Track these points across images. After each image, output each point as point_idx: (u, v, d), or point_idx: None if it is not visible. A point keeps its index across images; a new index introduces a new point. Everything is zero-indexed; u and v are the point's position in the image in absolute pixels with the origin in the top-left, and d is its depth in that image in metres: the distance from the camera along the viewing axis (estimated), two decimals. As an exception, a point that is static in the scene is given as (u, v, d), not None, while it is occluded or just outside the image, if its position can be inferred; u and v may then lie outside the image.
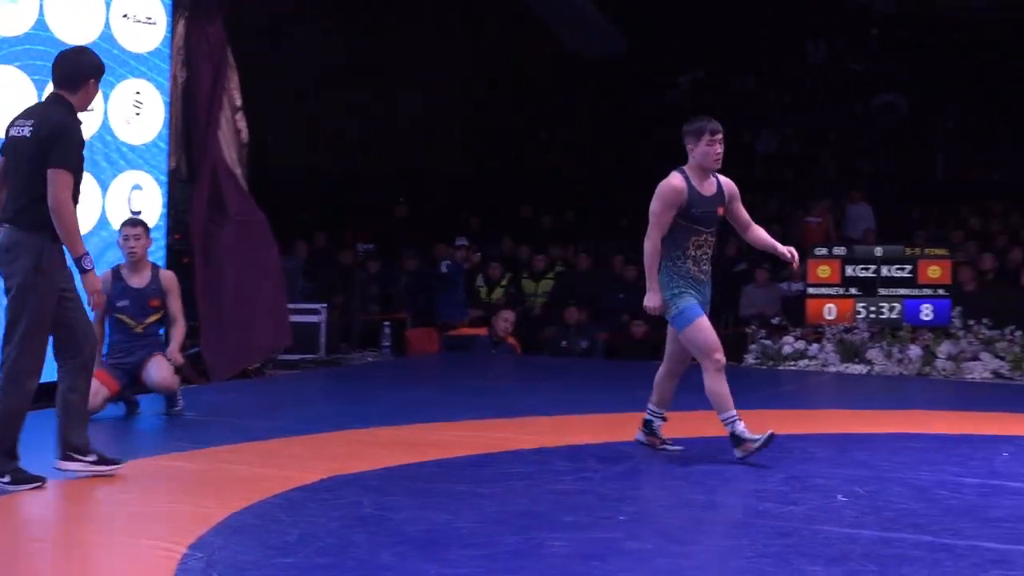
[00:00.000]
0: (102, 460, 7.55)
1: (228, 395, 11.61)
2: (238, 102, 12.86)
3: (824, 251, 15.33)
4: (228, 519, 6.54)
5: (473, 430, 9.58)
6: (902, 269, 14.97)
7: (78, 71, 7.43)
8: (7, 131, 7.49)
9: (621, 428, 9.69)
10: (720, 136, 8.40)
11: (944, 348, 14.17)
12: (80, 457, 7.47)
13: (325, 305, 15.27)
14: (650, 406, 8.86)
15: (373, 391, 12.37)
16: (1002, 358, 14.01)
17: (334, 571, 5.67)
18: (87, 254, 7.24)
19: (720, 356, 8.36)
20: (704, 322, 8.37)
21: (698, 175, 8.41)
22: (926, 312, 14.84)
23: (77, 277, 7.34)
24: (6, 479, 7.16)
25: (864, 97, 24.77)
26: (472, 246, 18.62)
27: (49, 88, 7.57)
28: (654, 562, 5.89)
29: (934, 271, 14.95)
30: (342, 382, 13.49)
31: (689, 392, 12.19)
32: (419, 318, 17.37)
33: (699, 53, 26.83)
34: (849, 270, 15.06)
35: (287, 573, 5.64)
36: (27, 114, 7.47)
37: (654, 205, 8.37)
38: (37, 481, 7.21)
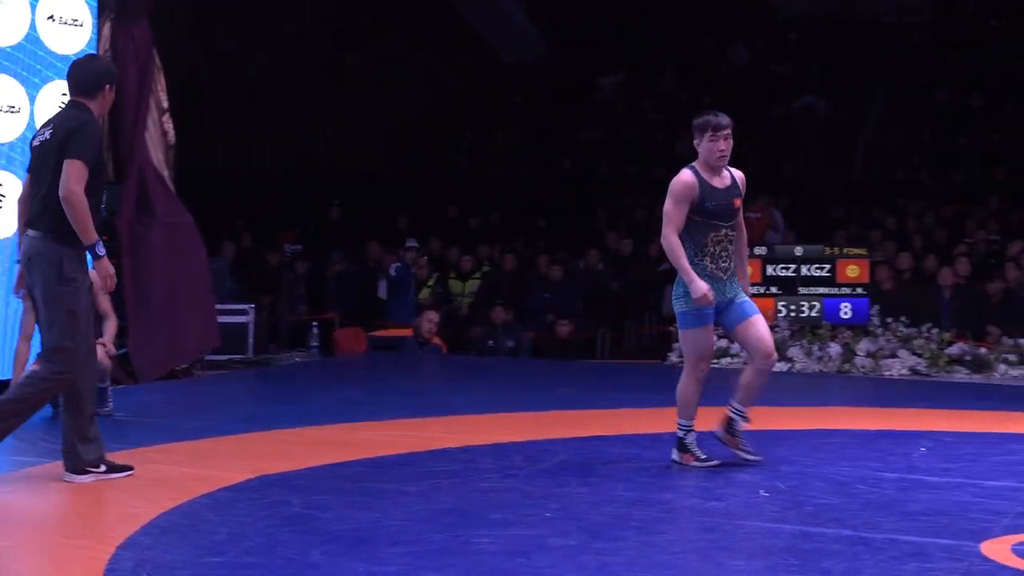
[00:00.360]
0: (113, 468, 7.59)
1: (156, 396, 11.54)
2: (165, 104, 12.78)
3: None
4: (157, 519, 6.51)
5: (400, 429, 9.58)
6: (821, 268, 15.06)
7: (94, 78, 7.52)
8: (31, 145, 7.59)
9: (547, 427, 9.74)
10: (725, 132, 8.11)
11: (863, 346, 14.30)
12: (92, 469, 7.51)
13: (253, 306, 15.21)
14: (733, 403, 8.43)
15: (301, 391, 12.33)
16: (919, 355, 14.16)
17: (262, 570, 5.66)
18: (100, 241, 7.26)
19: (706, 367, 8.21)
20: (705, 331, 8.13)
21: (708, 169, 8.11)
22: (845, 310, 14.95)
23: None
24: None
25: (785, 99, 24.95)
26: (421, 248, 18.55)
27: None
28: (579, 558, 5.91)
29: (853, 270, 15.06)
30: (270, 382, 13.44)
31: (618, 391, 12.29)
32: (348, 318, 17.31)
33: (620, 56, 26.97)
34: (770, 269, 15.14)
35: (216, 572, 5.62)
36: (47, 123, 7.56)
37: (666, 203, 8.09)
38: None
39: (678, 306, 8.17)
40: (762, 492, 7.44)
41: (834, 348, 14.32)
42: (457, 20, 26.58)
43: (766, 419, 10.45)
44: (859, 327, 14.72)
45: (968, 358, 14.14)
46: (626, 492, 7.43)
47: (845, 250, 15.35)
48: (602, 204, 21.81)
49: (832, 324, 14.82)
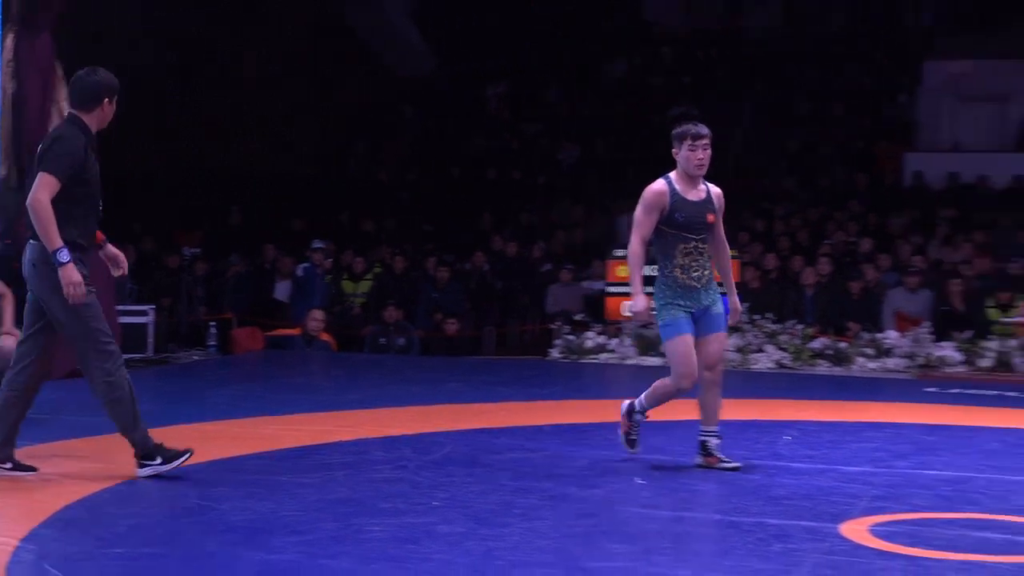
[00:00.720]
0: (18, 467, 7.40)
1: (58, 393, 11.29)
2: (66, 113, 12.59)
3: (622, 252, 15.48)
4: (59, 512, 6.41)
5: (295, 424, 9.52)
6: (694, 268, 15.17)
7: (92, 91, 7.33)
8: None
9: (435, 419, 9.74)
10: (704, 141, 7.73)
11: (732, 341, 14.45)
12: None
13: (153, 307, 15.04)
14: (700, 427, 7.94)
15: (199, 388, 12.20)
16: (784, 350, 14.35)
17: (162, 560, 5.60)
18: (63, 247, 7.02)
19: (687, 385, 7.72)
20: (682, 342, 7.68)
21: (684, 181, 7.73)
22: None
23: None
24: (158, 460, 7.27)
25: (660, 110, 25.15)
26: (327, 249, 18.42)
27: None
28: (465, 544, 5.91)
29: (723, 270, 15.20)
30: (169, 380, 13.27)
31: (502, 386, 12.30)
32: (245, 318, 17.16)
33: (505, 69, 27.06)
34: (646, 269, 15.18)
35: (117, 563, 5.55)
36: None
37: (636, 209, 7.76)
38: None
39: (657, 320, 7.92)
40: (638, 479, 7.50)
41: (705, 343, 14.46)
42: (352, 35, 26.52)
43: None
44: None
45: (829, 352, 14.36)
46: (510, 481, 7.45)
47: (716, 251, 15.48)
48: (488, 209, 21.87)
49: (704, 321, 14.95)
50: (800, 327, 14.59)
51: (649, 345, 14.62)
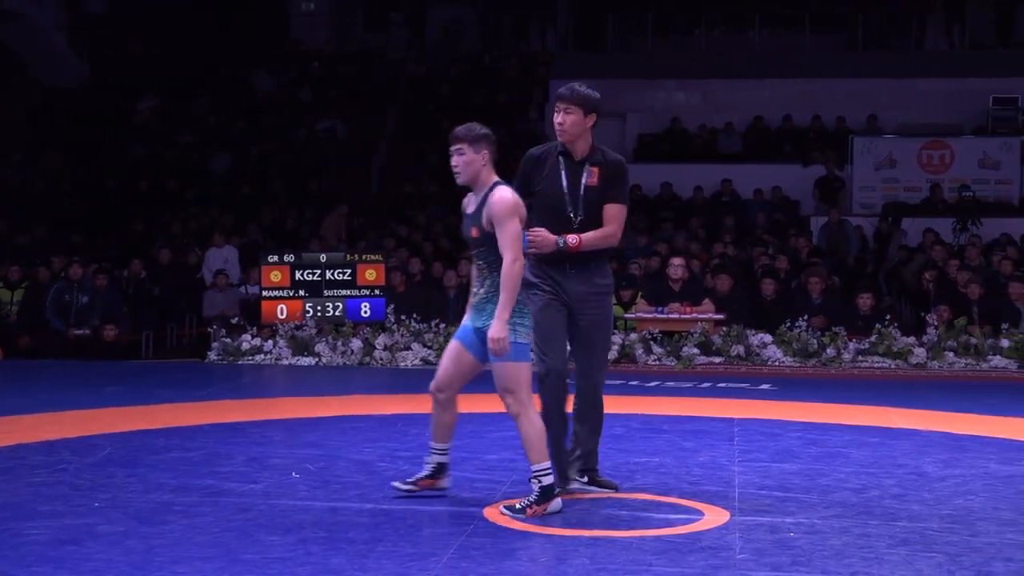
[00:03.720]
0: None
1: None
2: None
3: (275, 258, 15.40)
4: None
5: (-49, 432, 9.05)
6: (344, 273, 15.25)
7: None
8: None
9: (95, 423, 9.43)
10: (454, 147, 6.55)
11: (381, 340, 14.53)
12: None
13: None
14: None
15: None
16: (429, 347, 14.50)
17: None
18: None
19: (432, 387, 6.99)
20: (445, 351, 7.02)
21: (474, 191, 6.69)
22: (365, 309, 15.19)
23: None
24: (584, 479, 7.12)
25: (308, 123, 25.14)
26: None
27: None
28: (126, 543, 5.74)
29: (371, 274, 15.33)
30: None
31: (161, 387, 12.01)
32: None
33: (157, 82, 26.55)
34: (298, 274, 15.19)
35: None
36: None
37: None
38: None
39: None
40: (294, 474, 7.44)
41: (356, 343, 14.49)
42: (2, 47, 25.46)
43: (297, 408, 10.51)
44: (377, 323, 14.97)
45: (471, 348, 14.57)
46: (170, 480, 7.27)
47: (364, 256, 15.61)
48: (143, 217, 21.40)
49: (354, 322, 15.01)
50: (443, 326, 14.76)
51: (303, 345, 14.56)
